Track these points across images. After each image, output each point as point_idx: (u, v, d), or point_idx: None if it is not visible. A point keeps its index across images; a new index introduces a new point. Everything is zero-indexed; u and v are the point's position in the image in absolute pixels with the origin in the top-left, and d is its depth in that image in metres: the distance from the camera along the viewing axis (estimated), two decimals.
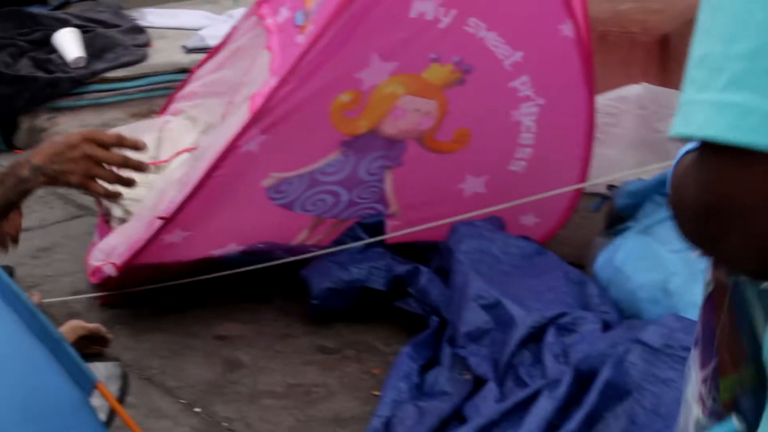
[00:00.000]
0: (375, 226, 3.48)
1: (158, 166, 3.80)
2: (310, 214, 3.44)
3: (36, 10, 6.10)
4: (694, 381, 1.27)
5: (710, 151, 0.92)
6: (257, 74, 3.61)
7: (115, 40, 5.03)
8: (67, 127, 4.81)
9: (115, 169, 2.48)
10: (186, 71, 4.81)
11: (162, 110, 4.17)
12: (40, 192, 4.32)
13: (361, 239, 3.45)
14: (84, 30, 5.09)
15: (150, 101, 4.86)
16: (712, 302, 1.21)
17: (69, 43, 4.93)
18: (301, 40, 3.38)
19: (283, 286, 3.57)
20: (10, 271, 2.51)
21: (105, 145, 2.52)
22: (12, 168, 2.55)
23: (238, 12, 5.31)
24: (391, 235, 3.48)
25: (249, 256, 3.47)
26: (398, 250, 3.48)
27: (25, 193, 2.55)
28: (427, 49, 3.26)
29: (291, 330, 3.44)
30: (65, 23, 5.13)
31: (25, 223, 4.08)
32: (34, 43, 5.03)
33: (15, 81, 4.75)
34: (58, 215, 4.23)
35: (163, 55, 5.02)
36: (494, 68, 3.32)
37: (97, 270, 3.48)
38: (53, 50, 4.95)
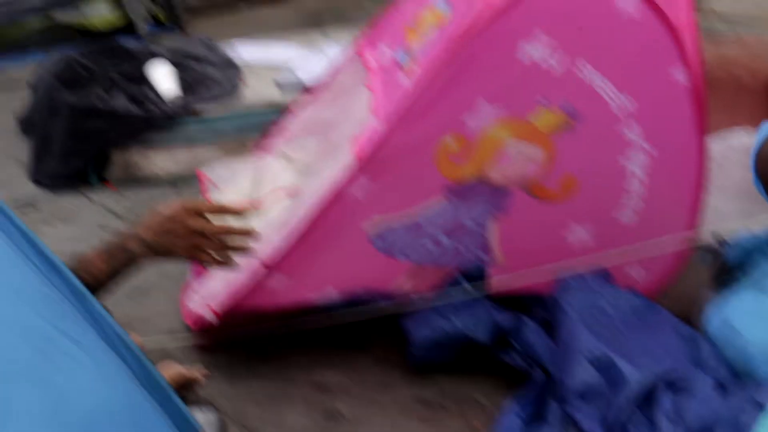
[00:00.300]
0: (478, 275, 3.40)
1: (254, 205, 3.75)
2: (412, 261, 3.38)
3: (127, 42, 6.12)
4: None
5: None
6: (356, 113, 3.57)
7: (208, 75, 5.01)
8: (158, 162, 4.79)
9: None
10: (279, 107, 4.77)
11: (257, 147, 4.13)
12: None
13: (463, 288, 3.37)
14: (177, 64, 5.07)
15: (242, 137, 4.83)
16: None
17: (163, 77, 4.92)
18: (405, 80, 3.33)
19: (382, 334, 3.50)
20: (108, 313, 2.47)
21: (204, 214, 2.50)
22: (121, 241, 2.54)
23: (330, 47, 5.27)
24: (494, 284, 3.40)
25: (349, 302, 3.41)
26: (501, 300, 3.40)
27: (132, 265, 2.54)
28: (535, 93, 3.19)
29: (390, 379, 3.37)
30: (160, 58, 5.12)
31: None
32: (129, 77, 5.01)
33: (109, 115, 4.74)
34: None
35: (255, 90, 4.98)
36: (603, 114, 3.24)
37: (196, 315, 3.44)
38: (147, 84, 4.93)
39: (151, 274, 4.01)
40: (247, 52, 5.40)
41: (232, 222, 3.68)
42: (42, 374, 2.27)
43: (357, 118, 3.52)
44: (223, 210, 2.54)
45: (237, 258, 2.56)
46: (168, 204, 2.49)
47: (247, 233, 2.50)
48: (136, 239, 2.50)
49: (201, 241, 2.47)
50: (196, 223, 2.44)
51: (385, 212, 3.26)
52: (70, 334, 2.29)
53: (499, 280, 3.40)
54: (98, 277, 2.55)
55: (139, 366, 2.13)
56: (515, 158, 3.26)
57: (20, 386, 2.24)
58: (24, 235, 2.36)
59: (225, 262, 2.50)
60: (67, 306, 2.31)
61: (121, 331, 2.33)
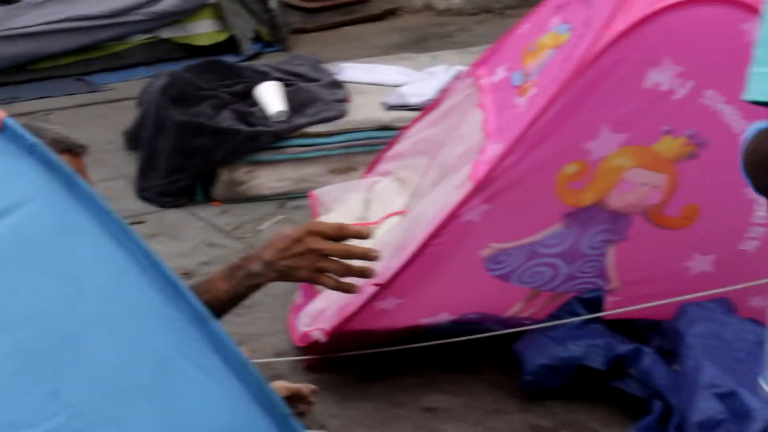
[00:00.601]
0: (594, 302, 3.34)
1: (365, 228, 3.72)
2: (527, 286, 3.33)
3: (230, 60, 6.15)
4: None
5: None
6: (466, 132, 3.53)
7: (315, 94, 4.99)
8: (264, 180, 4.79)
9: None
10: (386, 128, 4.75)
11: (369, 170, 4.11)
12: (238, 247, 4.32)
13: (578, 314, 3.32)
14: (284, 83, 5.06)
15: (349, 157, 4.81)
16: None
17: (271, 96, 4.91)
18: (521, 101, 3.29)
19: (494, 359, 3.45)
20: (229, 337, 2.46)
21: (329, 237, 2.48)
22: (243, 261, 2.53)
23: (438, 69, 5.24)
24: (611, 312, 3.33)
25: (460, 326, 3.37)
26: (617, 327, 3.33)
27: (254, 287, 2.53)
28: (660, 121, 3.13)
29: (502, 405, 3.32)
30: (266, 76, 5.12)
31: None
32: (236, 95, 5.02)
33: (216, 133, 4.75)
34: None
35: (362, 111, 4.96)
36: (729, 143, 3.14)
37: (305, 335, 3.42)
38: (254, 103, 4.93)
39: (256, 293, 3.99)
40: (352, 71, 5.38)
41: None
42: (162, 395, 2.25)
43: (467, 138, 3.48)
44: (343, 231, 2.51)
45: (358, 282, 2.53)
46: (293, 227, 2.48)
47: (369, 256, 2.47)
48: (260, 260, 2.49)
49: (324, 264, 2.45)
50: (320, 245, 2.42)
51: (502, 240, 3.21)
52: (192, 357, 2.27)
53: (616, 307, 3.34)
54: (220, 298, 2.53)
55: (260, 391, 2.09)
56: (637, 185, 3.20)
57: (139, 405, 2.22)
58: (145, 253, 2.34)
59: (347, 288, 2.48)
60: (190, 329, 2.29)
61: (243, 356, 2.30)
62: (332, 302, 3.43)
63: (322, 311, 3.45)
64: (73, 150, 2.51)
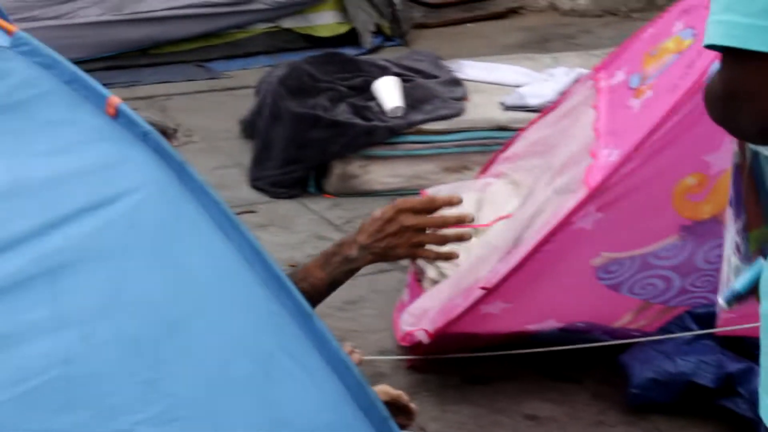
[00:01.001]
0: (706, 317, 3.26)
1: (477, 229, 3.68)
2: (638, 297, 3.26)
3: (350, 52, 6.15)
4: (731, 234, 1.80)
5: (724, 56, 1.42)
6: (578, 133, 3.48)
7: (433, 91, 4.96)
8: (378, 175, 4.77)
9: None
10: (503, 129, 4.70)
11: (483, 171, 4.07)
12: None
13: (689, 329, 3.25)
14: (402, 78, 5.04)
15: (464, 156, 4.77)
16: (738, 170, 1.74)
17: (389, 91, 4.89)
18: (635, 103, 3.23)
19: (599, 370, 3.40)
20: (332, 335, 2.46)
21: (420, 211, 2.48)
22: (338, 248, 2.54)
23: (558, 71, 5.17)
24: (724, 329, 3.25)
25: (566, 334, 3.32)
26: (729, 344, 3.25)
27: (351, 272, 2.54)
28: None
29: (605, 417, 3.27)
30: (385, 70, 5.10)
31: None
32: (354, 89, 5.01)
33: (332, 126, 4.74)
34: (367, 268, 4.13)
35: (479, 110, 4.92)
36: None
37: (408, 335, 3.40)
38: (372, 97, 4.91)
39: (361, 287, 3.98)
40: (472, 70, 5.34)
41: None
42: (262, 390, 2.24)
43: (578, 138, 3.44)
44: (433, 203, 2.51)
45: (458, 249, 2.52)
46: (383, 208, 2.48)
47: (464, 219, 2.46)
48: (355, 245, 2.51)
49: (420, 238, 2.46)
50: (413, 220, 2.42)
51: (615, 249, 3.16)
52: (293, 354, 2.26)
53: (729, 324, 3.26)
54: (317, 286, 2.56)
55: (361, 391, 2.08)
56: None
57: (239, 399, 2.22)
58: (252, 247, 2.33)
59: (447, 256, 2.47)
60: (292, 325, 2.28)
61: (344, 355, 2.28)
62: (437, 302, 3.40)
63: (425, 311, 3.42)
64: (165, 132, 2.53)
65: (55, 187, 2.25)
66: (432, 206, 2.50)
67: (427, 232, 2.47)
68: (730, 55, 1.41)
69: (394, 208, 2.50)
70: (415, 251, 2.50)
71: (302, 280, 2.62)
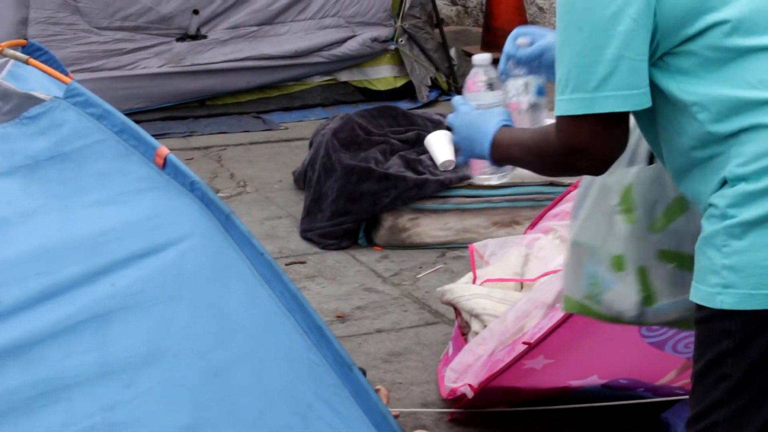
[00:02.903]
0: None
1: (523, 284, 3.70)
2: (682, 356, 3.24)
3: (406, 106, 6.20)
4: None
5: (562, 122, 1.98)
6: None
7: None
8: (427, 228, 4.80)
9: None
10: (554, 184, 4.72)
11: (531, 226, 4.08)
12: (395, 293, 4.34)
13: None
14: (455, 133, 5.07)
15: (513, 211, 4.79)
16: None
17: (441, 145, 4.89)
18: None
19: (641, 427, 3.38)
20: (363, 372, 2.47)
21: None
22: None
23: None
24: None
25: (609, 390, 3.32)
26: None
27: None
28: None
29: None
30: (438, 125, 5.13)
31: (379, 324, 4.13)
32: (406, 142, 5.06)
33: (383, 178, 4.78)
34: (413, 320, 4.20)
35: None
36: None
37: (453, 392, 3.40)
38: (424, 151, 4.94)
39: (407, 339, 4.01)
40: None
41: (495, 294, 3.62)
42: None
43: None
44: None
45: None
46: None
47: None
48: None
49: None
50: None
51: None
52: (332, 404, 2.30)
53: None
54: None
55: None
56: None
57: None
58: (294, 297, 2.37)
59: None
60: (331, 375, 2.31)
61: (383, 406, 2.31)
62: (480, 356, 3.41)
63: (469, 366, 3.43)
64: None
65: (104, 235, 2.30)
66: None
67: None
68: (568, 120, 1.96)
69: None
70: None
71: None
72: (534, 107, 2.33)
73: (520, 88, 2.32)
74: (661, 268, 2.24)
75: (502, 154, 2.21)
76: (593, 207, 2.30)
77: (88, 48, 6.34)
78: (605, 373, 3.29)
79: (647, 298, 2.26)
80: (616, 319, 2.35)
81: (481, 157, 2.26)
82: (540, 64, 2.29)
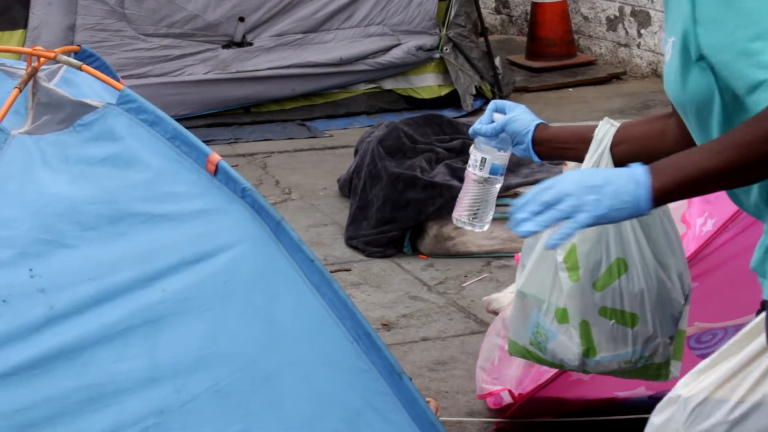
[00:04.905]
0: None
1: None
2: None
3: (450, 114, 6.20)
4: None
5: None
6: None
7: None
8: (473, 237, 4.79)
9: None
10: None
11: None
12: (441, 302, 4.33)
13: None
14: None
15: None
16: None
17: (486, 153, 4.92)
18: None
19: None
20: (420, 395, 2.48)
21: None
22: None
23: None
24: None
25: (656, 401, 3.28)
26: None
27: None
28: None
29: None
30: None
31: (424, 332, 4.12)
32: (452, 151, 5.05)
33: (429, 187, 4.78)
34: (458, 328, 4.19)
35: None
36: None
37: (491, 395, 3.39)
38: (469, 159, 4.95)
39: (453, 348, 4.00)
40: None
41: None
42: None
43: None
44: None
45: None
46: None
47: None
48: None
49: None
50: None
51: (707, 320, 3.13)
52: (380, 411, 2.29)
53: None
54: None
55: None
56: None
57: None
58: (344, 304, 2.37)
59: None
60: (379, 382, 2.31)
61: (432, 414, 2.30)
62: (526, 367, 3.39)
63: (515, 375, 3.41)
64: None
65: (156, 242, 2.31)
66: None
67: None
68: None
69: None
70: None
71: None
72: (486, 181, 2.43)
73: (477, 162, 2.42)
74: (602, 324, 2.32)
75: (675, 186, 1.80)
76: (540, 259, 2.34)
77: (135, 54, 6.37)
78: (652, 384, 3.26)
79: (588, 351, 2.35)
80: (560, 366, 2.45)
81: (634, 212, 1.82)
82: (503, 139, 2.32)
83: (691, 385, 2.02)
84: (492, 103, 2.37)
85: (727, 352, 1.97)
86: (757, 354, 1.91)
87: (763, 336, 1.90)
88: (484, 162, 2.41)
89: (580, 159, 2.31)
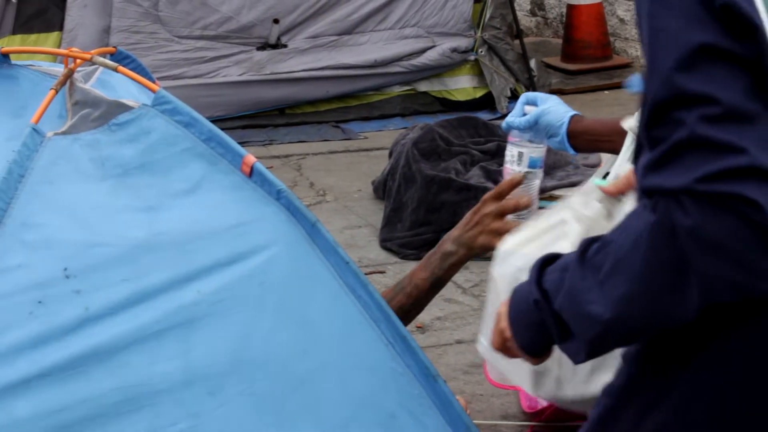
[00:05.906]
0: None
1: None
2: None
3: (485, 116, 6.17)
4: None
5: None
6: None
7: (567, 157, 4.96)
8: (508, 239, 4.76)
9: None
10: None
11: None
12: (475, 305, 4.31)
13: None
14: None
15: None
16: None
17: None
18: None
19: None
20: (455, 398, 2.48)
21: (498, 197, 2.66)
22: (437, 247, 2.77)
23: None
24: None
25: None
26: None
27: (451, 268, 2.75)
28: None
29: None
30: None
31: (459, 335, 4.11)
32: (487, 153, 5.04)
33: (464, 189, 4.76)
34: None
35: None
36: None
37: (531, 399, 3.38)
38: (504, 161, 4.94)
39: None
40: None
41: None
42: None
43: None
44: (510, 186, 2.67)
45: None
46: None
47: (522, 205, 2.57)
48: (449, 239, 2.71)
49: (496, 224, 2.59)
50: (490, 206, 2.56)
51: None
52: (415, 414, 2.29)
53: None
54: (421, 286, 2.75)
55: None
56: None
57: None
58: (379, 307, 2.36)
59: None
60: (414, 385, 2.30)
61: (467, 417, 2.29)
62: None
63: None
64: None
65: (191, 242, 2.31)
66: (507, 189, 2.65)
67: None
68: None
69: (482, 200, 2.69)
70: (494, 239, 2.63)
71: (407, 285, 2.83)
72: (525, 176, 2.43)
73: (514, 157, 2.42)
74: None
75: None
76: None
77: (169, 56, 6.38)
78: None
79: None
80: None
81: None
82: (537, 132, 2.31)
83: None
84: (523, 96, 2.37)
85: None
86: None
87: (565, 211, 2.22)
88: (521, 156, 2.40)
89: (615, 151, 2.30)
